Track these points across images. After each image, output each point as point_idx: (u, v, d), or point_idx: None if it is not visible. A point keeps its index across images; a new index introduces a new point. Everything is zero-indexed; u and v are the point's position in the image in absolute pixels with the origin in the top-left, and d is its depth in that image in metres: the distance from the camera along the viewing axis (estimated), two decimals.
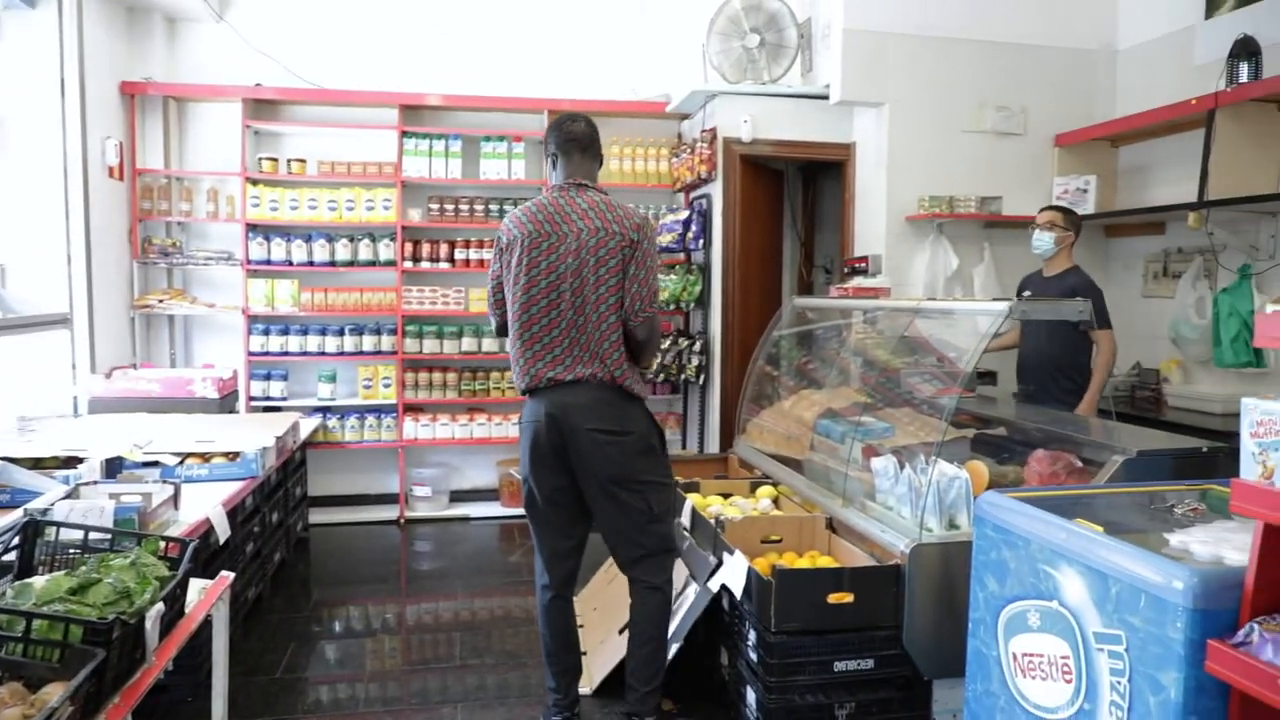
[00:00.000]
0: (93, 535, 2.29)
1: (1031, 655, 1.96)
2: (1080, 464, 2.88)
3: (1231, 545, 1.72)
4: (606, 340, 2.67)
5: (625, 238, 2.67)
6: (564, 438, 2.69)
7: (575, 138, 2.80)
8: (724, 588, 2.91)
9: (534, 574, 2.98)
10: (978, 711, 2.16)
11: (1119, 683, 1.71)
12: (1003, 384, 4.71)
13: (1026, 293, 4.15)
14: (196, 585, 2.42)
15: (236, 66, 5.43)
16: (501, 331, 2.88)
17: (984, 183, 4.85)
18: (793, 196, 6.08)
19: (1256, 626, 1.49)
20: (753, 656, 2.76)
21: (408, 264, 5.50)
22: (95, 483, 2.97)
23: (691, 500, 3.49)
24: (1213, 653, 1.52)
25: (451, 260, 5.56)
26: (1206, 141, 4.00)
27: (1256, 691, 1.43)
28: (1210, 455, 2.77)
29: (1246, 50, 3.97)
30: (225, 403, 4.71)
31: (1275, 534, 1.49)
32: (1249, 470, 1.51)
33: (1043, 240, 4.04)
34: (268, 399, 5.38)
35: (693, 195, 5.49)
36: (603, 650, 3.32)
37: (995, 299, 3.56)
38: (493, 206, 5.57)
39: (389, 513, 5.61)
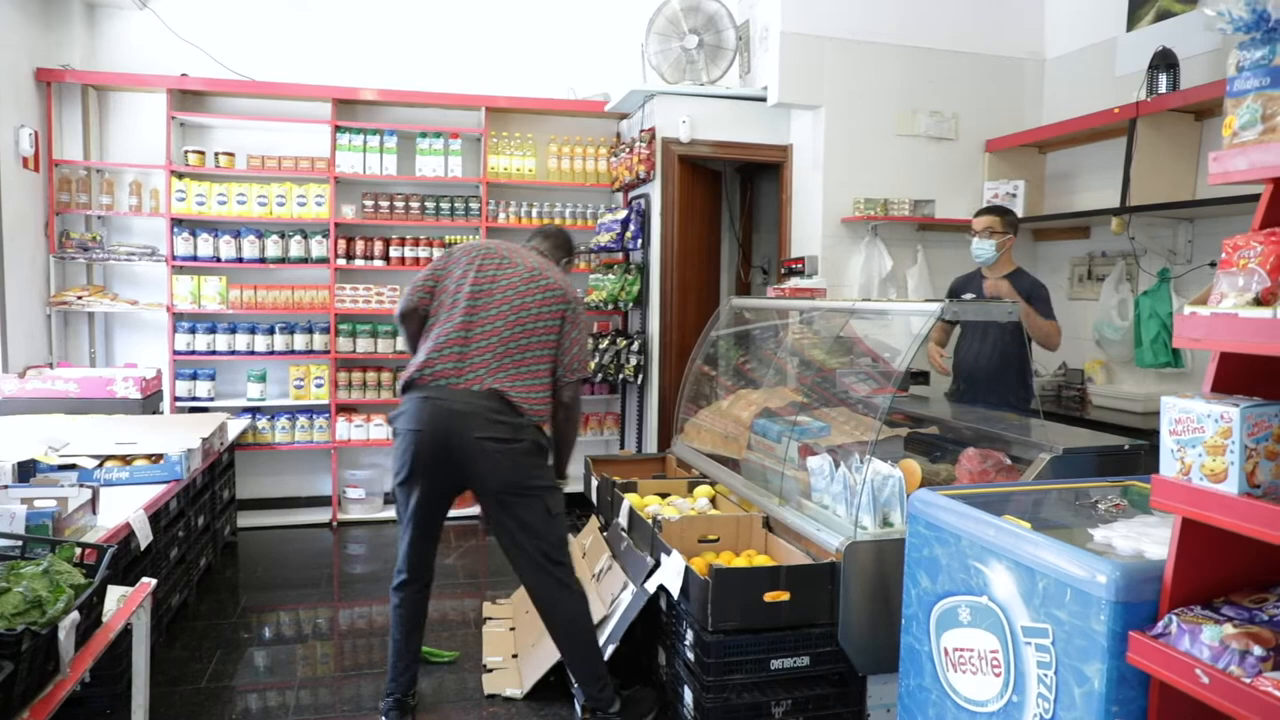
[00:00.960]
0: (2, 542, 2.19)
1: (962, 650, 1.99)
2: (1009, 461, 2.95)
3: (1152, 539, 1.77)
4: (531, 374, 2.83)
5: (563, 296, 2.91)
6: (450, 445, 2.77)
7: (544, 231, 3.24)
8: (661, 588, 2.91)
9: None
10: (910, 706, 2.19)
11: (1046, 675, 1.74)
12: (936, 383, 4.80)
13: (968, 295, 4.01)
14: (115, 593, 2.33)
15: (161, 56, 5.26)
16: (404, 316, 2.95)
17: (917, 186, 4.94)
18: (731, 197, 6.12)
19: (1175, 618, 1.53)
20: (690, 656, 2.76)
21: (341, 261, 5.39)
22: (6, 487, 2.84)
23: (629, 500, 3.48)
24: (1134, 644, 1.56)
25: (386, 258, 5.46)
26: (1128, 149, 4.13)
27: (1174, 680, 1.47)
28: (1132, 452, 2.87)
29: (1165, 62, 4.11)
30: (148, 403, 4.56)
31: (1193, 528, 1.54)
32: (1168, 467, 1.55)
33: (984, 249, 3.88)
34: (194, 399, 5.22)
35: (631, 195, 5.48)
36: (534, 654, 3.29)
37: (928, 300, 3.61)
38: (429, 204, 5.49)
39: (321, 515, 5.49)
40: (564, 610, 2.90)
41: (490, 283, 2.87)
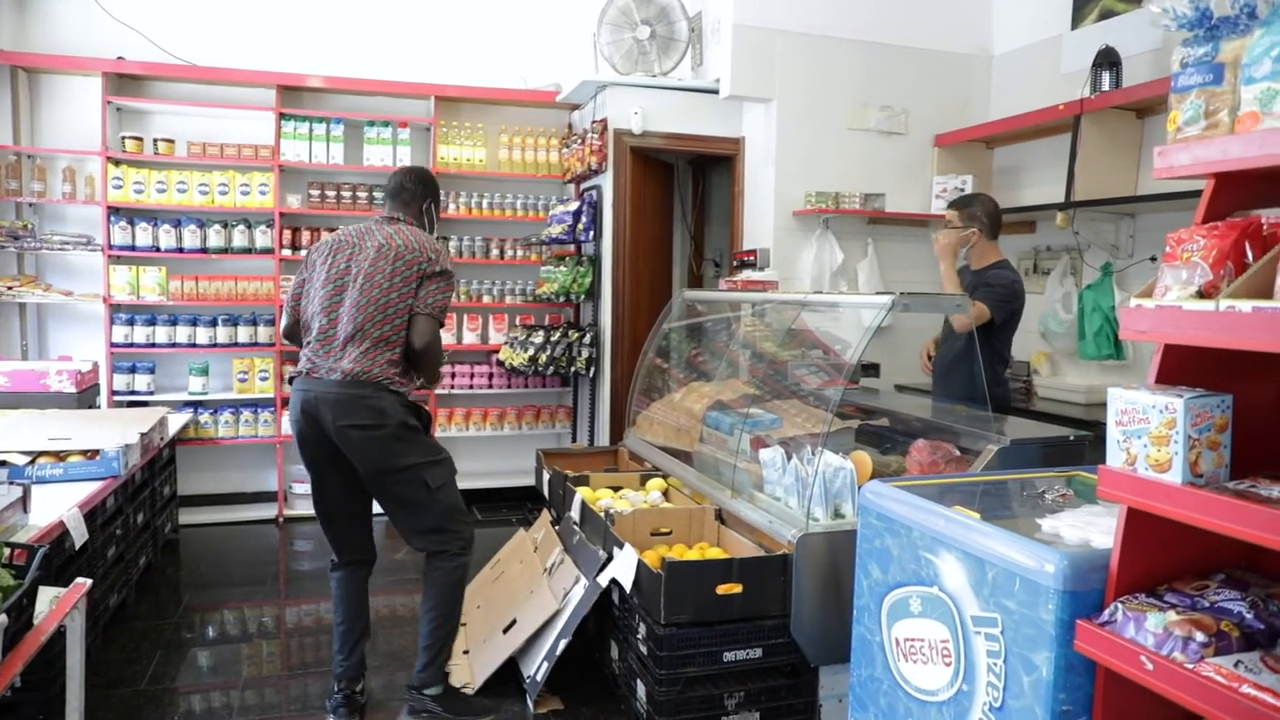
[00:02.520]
0: None
1: (913, 640, 2.01)
2: (958, 453, 2.98)
3: (1098, 529, 1.79)
4: (381, 338, 2.83)
5: (416, 257, 2.89)
6: (321, 430, 2.84)
7: (391, 189, 3.16)
8: (614, 581, 2.90)
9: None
10: (862, 696, 2.20)
11: (995, 664, 1.76)
12: (885, 376, 4.85)
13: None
14: (48, 594, 2.24)
15: (96, 38, 5.08)
16: (288, 334, 3.12)
17: (868, 180, 4.98)
18: (683, 189, 6.11)
19: (1120, 606, 1.55)
20: (642, 650, 2.75)
21: (286, 252, 5.27)
22: None
23: (581, 494, 3.46)
24: (1081, 632, 1.58)
25: None
26: (1073, 145, 4.21)
27: (1119, 667, 1.50)
28: (1076, 443, 2.92)
29: (1108, 60, 4.19)
30: (84, 397, 4.41)
31: (1138, 517, 1.56)
32: (1114, 457, 1.57)
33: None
34: (133, 393, 5.06)
35: (583, 186, 5.45)
36: (485, 649, 3.25)
37: (878, 292, 3.63)
38: (377, 194, 5.39)
39: (267, 511, 5.38)
40: (438, 575, 2.99)
41: (343, 275, 2.89)
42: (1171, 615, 1.47)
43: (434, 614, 2.99)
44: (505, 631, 3.19)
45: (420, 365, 2.94)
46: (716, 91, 4.93)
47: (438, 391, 5.54)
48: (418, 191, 3.16)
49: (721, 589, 2.63)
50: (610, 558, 2.95)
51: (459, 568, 3.01)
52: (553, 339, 5.30)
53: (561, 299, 5.31)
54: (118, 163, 5.04)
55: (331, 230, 5.26)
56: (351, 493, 3.00)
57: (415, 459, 2.89)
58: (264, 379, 5.27)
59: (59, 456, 3.33)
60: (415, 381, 2.98)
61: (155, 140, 5.11)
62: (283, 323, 3.13)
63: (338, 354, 2.83)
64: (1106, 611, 1.57)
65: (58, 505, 2.90)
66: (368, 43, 5.53)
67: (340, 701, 2.97)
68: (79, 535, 2.92)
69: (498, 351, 5.60)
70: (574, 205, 5.28)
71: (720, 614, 2.64)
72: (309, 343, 2.92)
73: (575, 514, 3.40)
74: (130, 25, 5.13)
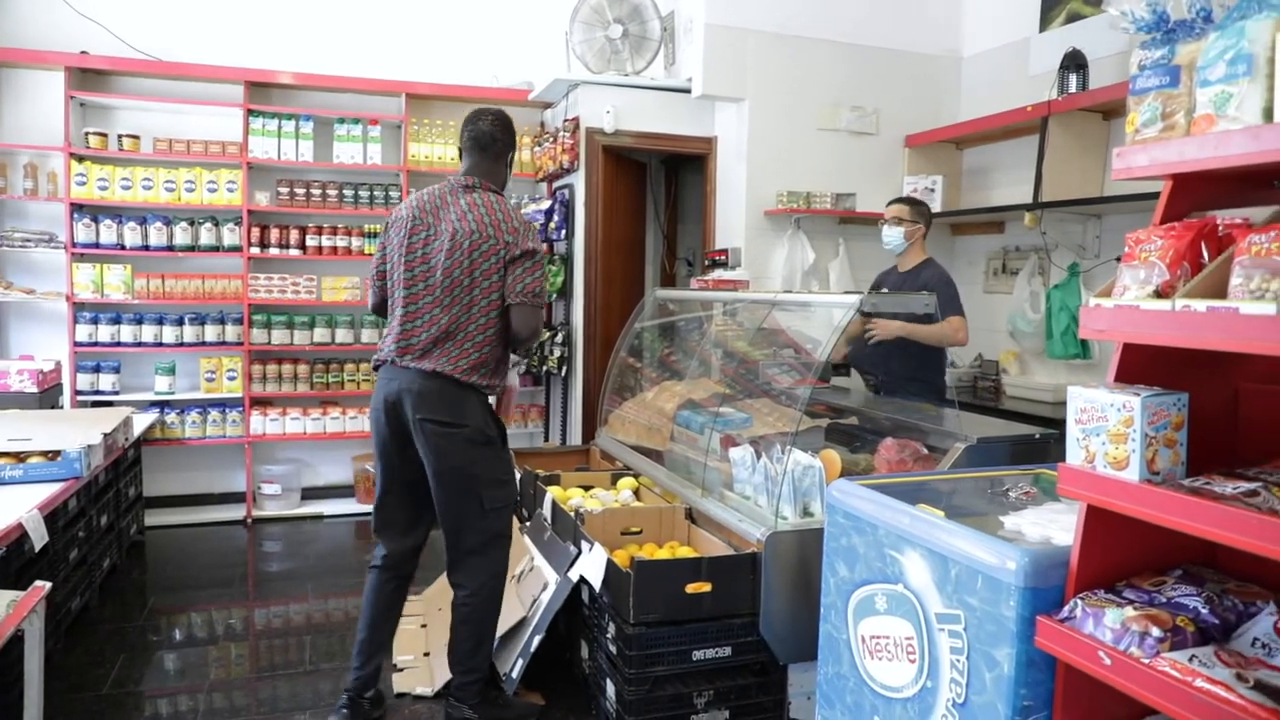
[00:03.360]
0: None
1: (879, 637, 2.02)
2: (926, 451, 3.00)
3: (1059, 526, 1.81)
4: (466, 336, 2.72)
5: (495, 245, 2.72)
6: (400, 423, 2.76)
7: (477, 137, 2.86)
8: (584, 581, 2.89)
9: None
10: (829, 693, 2.21)
11: (958, 660, 1.78)
12: (857, 375, 4.87)
13: (884, 289, 4.07)
14: (5, 597, 2.21)
15: (59, 32, 5.00)
16: (377, 310, 2.95)
17: (839, 180, 5.00)
18: (656, 188, 6.11)
19: (1080, 602, 1.57)
20: (612, 649, 2.75)
21: (255, 250, 5.22)
22: None
23: (552, 493, 3.45)
24: (1041, 628, 1.59)
25: (303, 247, 5.31)
26: (1040, 146, 4.25)
27: (1078, 663, 1.51)
28: (1042, 441, 2.94)
29: (1075, 63, 4.24)
30: (46, 397, 4.35)
31: (1097, 515, 1.58)
32: (1074, 455, 1.59)
33: (892, 236, 3.97)
34: (97, 393, 4.99)
35: (555, 185, 5.43)
36: (445, 651, 3.23)
37: (848, 292, 3.66)
38: (347, 192, 5.35)
39: (235, 512, 5.32)
40: (465, 611, 2.86)
41: (421, 262, 2.75)
42: (1129, 611, 1.48)
43: (465, 635, 2.86)
44: None
45: (519, 349, 2.88)
46: (689, 91, 4.94)
47: None
48: (507, 143, 2.91)
49: (690, 588, 2.63)
50: (579, 555, 2.94)
51: (488, 601, 2.87)
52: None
53: None
54: (81, 159, 4.97)
55: (302, 229, 5.28)
56: (414, 497, 2.88)
57: (480, 470, 2.77)
58: (232, 378, 5.21)
59: (19, 458, 3.28)
60: (499, 378, 2.85)
61: (120, 136, 5.04)
62: (371, 299, 2.93)
63: (423, 346, 2.71)
64: (1066, 608, 1.59)
65: (17, 507, 2.86)
66: (338, 39, 5.49)
67: (344, 702, 2.86)
68: (39, 537, 2.88)
69: None
70: (546, 204, 5.26)
71: (689, 613, 2.64)
72: (393, 327, 2.78)
73: (546, 513, 3.39)
74: (94, 19, 5.06)
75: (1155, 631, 1.43)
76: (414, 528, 2.93)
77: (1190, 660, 1.37)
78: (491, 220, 2.73)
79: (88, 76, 5.05)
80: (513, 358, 2.97)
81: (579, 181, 5.04)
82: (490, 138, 2.85)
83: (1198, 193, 1.59)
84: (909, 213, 3.96)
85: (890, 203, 4.08)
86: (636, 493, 3.56)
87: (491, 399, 2.88)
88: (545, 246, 5.09)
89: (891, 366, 3.94)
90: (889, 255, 4.16)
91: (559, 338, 5.20)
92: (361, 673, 2.89)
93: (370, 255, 5.38)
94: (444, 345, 2.71)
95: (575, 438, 5.15)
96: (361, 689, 2.89)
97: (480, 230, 2.71)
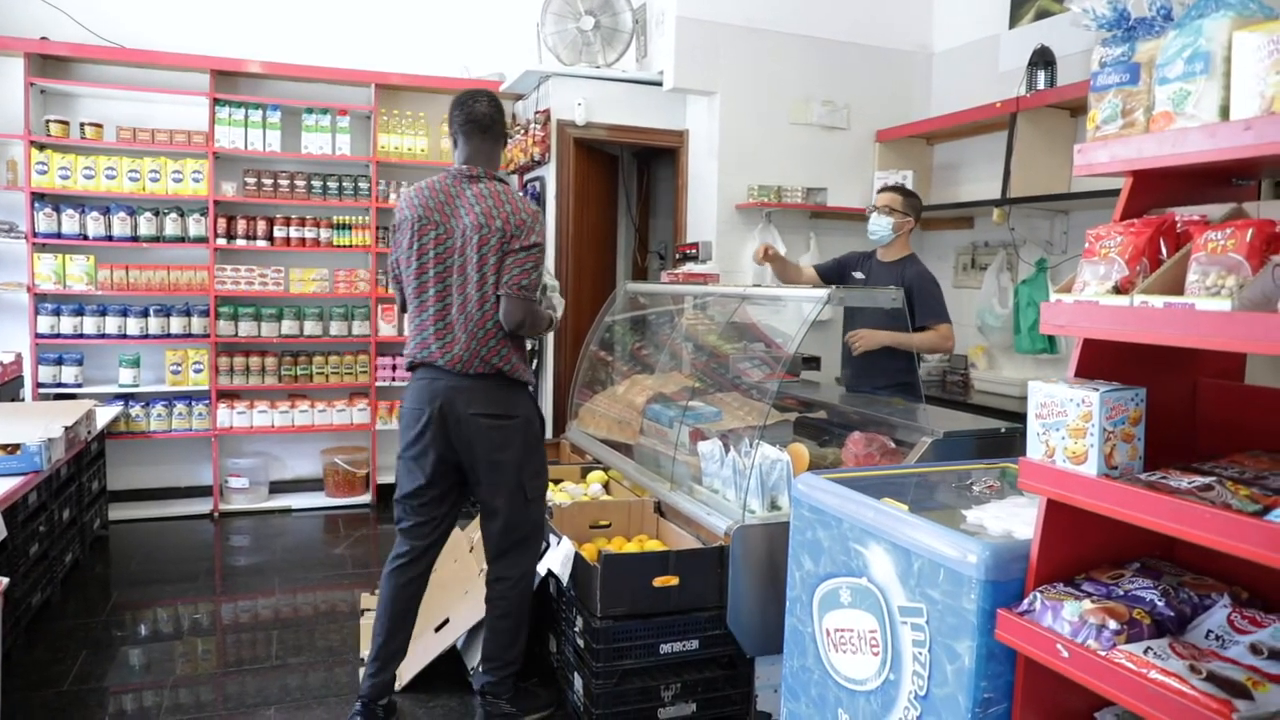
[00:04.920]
0: None
1: (843, 630, 2.03)
2: (893, 445, 3.03)
3: (1021, 520, 1.83)
4: (488, 331, 2.69)
5: (505, 232, 2.67)
6: (448, 423, 2.71)
7: (475, 119, 2.76)
8: (552, 574, 2.88)
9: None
10: (794, 686, 2.22)
11: (920, 653, 1.79)
12: (827, 369, 4.90)
13: (858, 274, 3.91)
14: None
15: (17, 17, 4.89)
16: (405, 310, 2.84)
17: (810, 174, 5.01)
18: (628, 181, 6.10)
19: (1039, 595, 1.58)
20: (579, 642, 2.74)
21: (221, 241, 5.15)
22: None
23: None
24: (1001, 621, 1.61)
25: (270, 238, 5.24)
26: (1009, 143, 4.28)
27: (1037, 655, 1.53)
28: (1008, 435, 2.98)
29: (1043, 60, 4.27)
30: (6, 390, 4.27)
31: (1057, 509, 1.60)
32: (1034, 450, 1.60)
33: (880, 226, 3.73)
34: (59, 385, 4.91)
35: (526, 177, 5.40)
36: (415, 647, 3.20)
37: (815, 285, 3.66)
38: (315, 182, 5.29)
39: (201, 506, 5.25)
40: (500, 589, 2.83)
41: (436, 262, 2.70)
42: (1087, 604, 1.50)
43: (501, 630, 2.82)
44: (437, 630, 3.16)
45: (521, 340, 2.80)
46: (660, 84, 4.92)
47: (377, 384, 5.47)
48: (503, 124, 2.83)
49: (658, 581, 2.64)
50: (549, 547, 2.93)
51: (529, 589, 2.86)
52: None
53: None
54: (42, 147, 4.87)
55: (269, 220, 5.21)
56: (449, 494, 2.85)
57: (524, 461, 2.77)
58: (198, 371, 5.14)
59: None
60: (529, 366, 2.84)
61: (82, 124, 4.95)
62: (397, 301, 2.86)
63: (456, 344, 2.67)
64: (1026, 600, 1.61)
65: None
66: (307, 28, 5.42)
67: (358, 710, 2.78)
68: None
69: None
70: None
71: (657, 606, 2.65)
72: (419, 328, 2.73)
73: None
74: (55, 5, 4.96)
75: (1112, 624, 1.45)
76: (443, 524, 2.89)
77: (1145, 652, 1.39)
78: (500, 211, 2.68)
79: (48, 63, 4.95)
80: None
81: (550, 174, 5.02)
82: (489, 119, 2.78)
83: (1157, 189, 1.61)
84: (901, 203, 3.75)
85: (881, 190, 3.90)
86: (606, 486, 3.56)
87: (530, 388, 2.88)
88: None
89: (866, 367, 3.81)
90: (862, 246, 4.07)
91: None
92: (377, 680, 2.80)
93: (339, 246, 5.36)
94: (476, 341, 2.68)
95: (546, 431, 5.13)
96: (377, 696, 2.80)
97: (488, 223, 2.66)
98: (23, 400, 4.63)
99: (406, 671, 3.10)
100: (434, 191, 2.74)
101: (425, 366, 2.75)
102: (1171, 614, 1.50)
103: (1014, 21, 4.74)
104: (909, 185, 4.86)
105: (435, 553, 2.91)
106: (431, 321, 2.72)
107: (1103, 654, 1.42)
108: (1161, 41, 1.44)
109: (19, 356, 4.57)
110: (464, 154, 2.79)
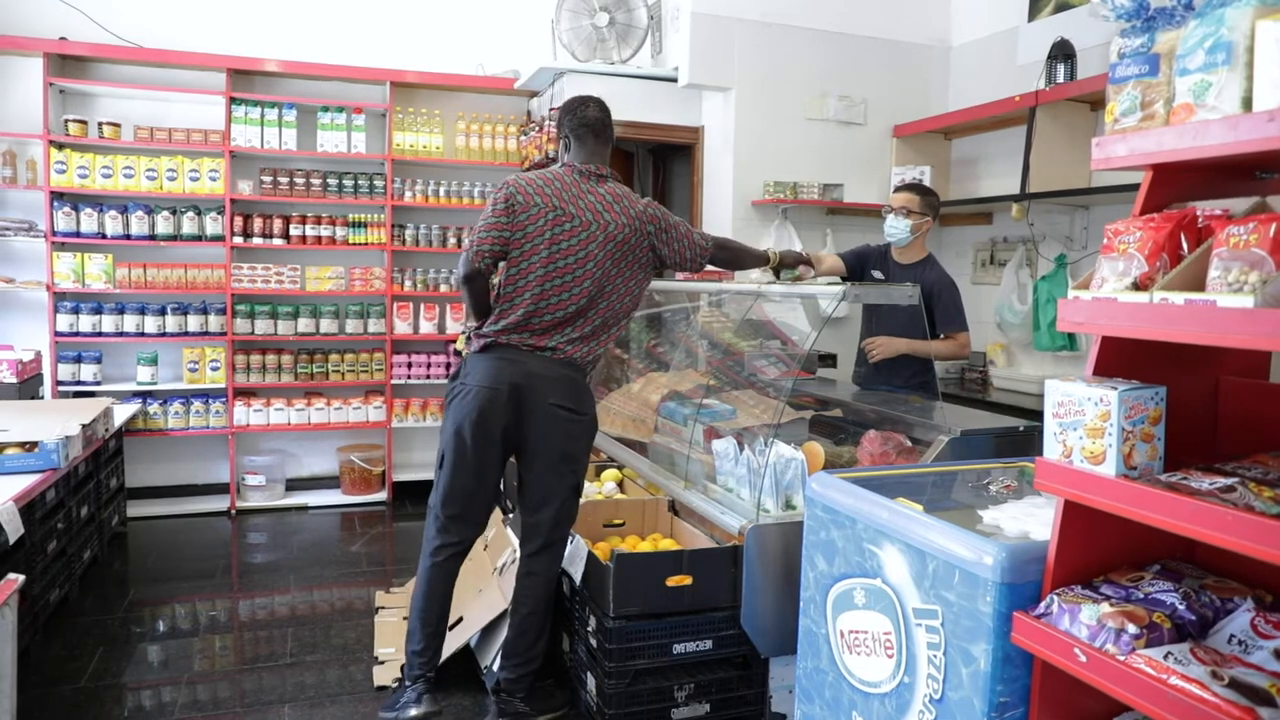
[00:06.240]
0: None
1: (857, 632, 2.00)
2: (910, 444, 2.99)
3: (1038, 520, 1.79)
4: (604, 330, 2.81)
5: (643, 230, 2.82)
6: (521, 406, 2.73)
7: (589, 123, 2.86)
8: (565, 574, 2.87)
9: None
10: (808, 688, 2.20)
11: (935, 656, 1.76)
12: (843, 366, 4.86)
13: (876, 272, 3.83)
14: None
15: (37, 17, 4.93)
16: (469, 280, 2.78)
17: (826, 170, 4.97)
18: (643, 178, 6.07)
19: (1056, 598, 1.55)
20: (592, 642, 2.73)
21: (238, 239, 5.17)
22: None
23: None
24: (1017, 624, 1.58)
25: (286, 236, 5.26)
26: (1028, 137, 4.23)
27: (1054, 659, 1.50)
28: (1027, 434, 2.93)
29: (1063, 53, 4.21)
30: (26, 388, 4.30)
31: (1074, 509, 1.56)
32: (1051, 449, 1.57)
33: (897, 227, 3.64)
34: (79, 383, 4.95)
35: None
36: None
37: (829, 283, 3.62)
38: (331, 180, 5.30)
39: (218, 503, 5.28)
40: (533, 584, 2.84)
41: (567, 254, 2.73)
42: (1105, 607, 1.47)
43: (526, 627, 2.83)
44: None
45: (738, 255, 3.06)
46: (675, 80, 4.90)
47: (393, 382, 5.48)
48: (612, 128, 2.93)
49: (671, 581, 2.62)
50: None
51: (551, 590, 2.87)
52: None
53: None
54: (61, 146, 4.91)
55: (285, 219, 5.22)
56: (496, 484, 2.89)
57: (583, 457, 2.87)
58: (215, 369, 5.17)
59: None
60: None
61: (100, 124, 4.98)
62: (464, 268, 2.75)
63: (562, 334, 2.74)
64: (1043, 603, 1.57)
65: None
66: (322, 26, 5.43)
67: (426, 690, 2.81)
68: (13, 529, 2.85)
69: (455, 341, 5.53)
70: None
71: (670, 606, 2.63)
72: (519, 311, 2.73)
73: None
74: (74, 5, 4.99)
75: (1131, 628, 1.41)
76: (487, 514, 2.92)
77: (1165, 657, 1.36)
78: (636, 214, 2.81)
79: (67, 63, 4.99)
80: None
81: None
82: (602, 123, 2.88)
83: (1178, 183, 1.57)
84: (919, 203, 3.64)
85: (898, 189, 3.80)
86: (621, 484, 3.55)
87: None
88: None
89: (882, 366, 3.78)
90: (877, 240, 4.01)
91: None
92: (434, 659, 2.86)
93: (355, 245, 5.37)
94: (583, 335, 2.76)
95: None
96: (433, 667, 2.87)
97: (630, 224, 2.78)
98: (42, 398, 4.67)
99: None
100: (563, 185, 2.79)
101: (506, 348, 2.74)
102: (1193, 618, 1.47)
103: (1033, 14, 4.68)
104: (927, 181, 4.80)
105: (469, 546, 2.92)
106: (544, 310, 2.73)
107: (1121, 659, 1.39)
108: (1182, 32, 1.41)
109: (39, 354, 4.61)
110: (584, 154, 2.87)
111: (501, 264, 2.78)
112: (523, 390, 2.72)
